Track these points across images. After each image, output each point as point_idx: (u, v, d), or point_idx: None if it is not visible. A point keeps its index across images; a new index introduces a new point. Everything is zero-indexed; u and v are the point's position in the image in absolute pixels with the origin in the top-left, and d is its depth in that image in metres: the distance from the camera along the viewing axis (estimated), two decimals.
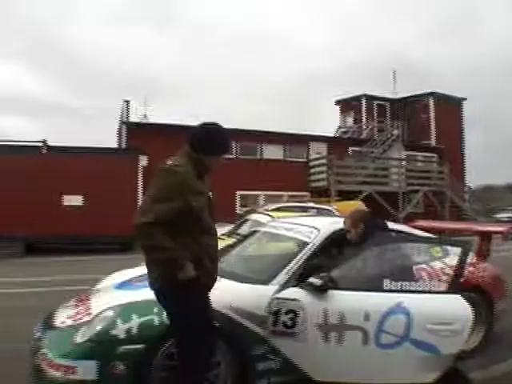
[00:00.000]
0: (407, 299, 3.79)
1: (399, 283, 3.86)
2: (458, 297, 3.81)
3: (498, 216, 37.22)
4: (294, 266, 4.25)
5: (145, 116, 26.28)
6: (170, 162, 3.24)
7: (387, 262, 4.11)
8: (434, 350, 3.71)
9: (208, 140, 3.30)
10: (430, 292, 3.86)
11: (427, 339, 3.70)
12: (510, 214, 36.78)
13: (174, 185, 3.11)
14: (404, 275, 4.03)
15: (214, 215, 3.42)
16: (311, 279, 3.89)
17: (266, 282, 4.07)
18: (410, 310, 3.73)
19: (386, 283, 3.86)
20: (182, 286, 3.14)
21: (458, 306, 3.79)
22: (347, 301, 3.85)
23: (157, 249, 3.13)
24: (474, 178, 56.76)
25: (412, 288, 3.87)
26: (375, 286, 3.90)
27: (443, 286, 3.90)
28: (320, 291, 3.84)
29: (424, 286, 3.90)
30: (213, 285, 3.40)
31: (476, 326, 5.30)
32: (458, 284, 3.88)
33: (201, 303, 3.34)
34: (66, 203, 18.68)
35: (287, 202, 16.31)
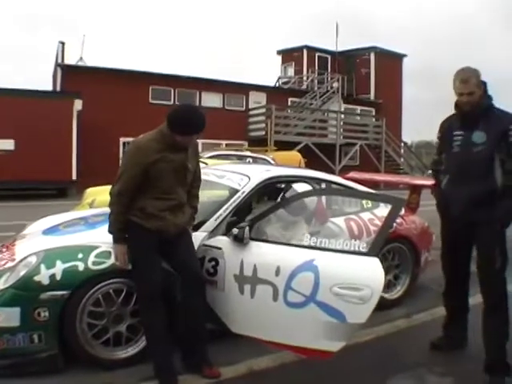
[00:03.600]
0: (319, 256, 3.47)
1: (319, 239, 3.60)
2: (376, 261, 3.36)
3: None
4: (223, 213, 4.24)
5: (81, 59, 25.36)
6: (140, 136, 3.66)
7: (312, 217, 4.06)
8: (339, 317, 3.28)
9: (179, 122, 3.51)
10: (348, 252, 3.45)
11: (333, 303, 3.30)
12: None
13: (132, 156, 3.54)
14: (327, 232, 3.94)
15: (189, 181, 3.79)
16: (234, 228, 3.85)
17: (195, 228, 4.05)
18: (319, 269, 3.39)
19: (307, 238, 3.65)
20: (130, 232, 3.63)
21: (371, 271, 3.32)
22: (262, 253, 3.71)
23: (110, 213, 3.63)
24: (411, 133, 57.91)
25: (331, 246, 3.53)
26: (296, 240, 3.75)
27: (364, 246, 3.47)
28: (237, 241, 3.78)
29: (344, 244, 3.51)
30: (167, 231, 3.61)
31: (402, 276, 5.48)
32: (378, 246, 3.47)
33: (141, 245, 3.60)
34: None
35: (223, 150, 16.20)
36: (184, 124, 3.49)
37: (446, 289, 4.25)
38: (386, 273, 5.21)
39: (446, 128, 4.01)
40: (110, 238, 3.63)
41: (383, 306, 4.83)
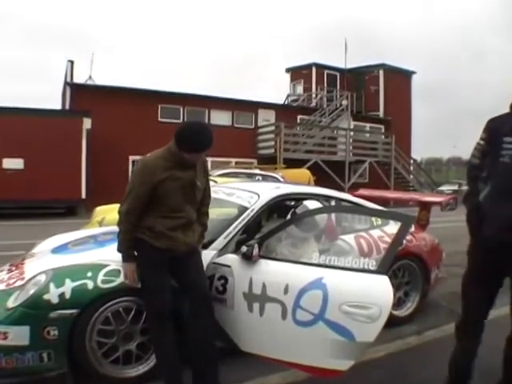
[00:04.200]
0: (328, 274, 3.45)
1: (329, 257, 3.58)
2: (385, 279, 3.32)
3: (443, 188, 38.12)
4: (232, 231, 4.24)
5: (90, 77, 25.57)
6: (148, 154, 3.66)
7: (322, 234, 4.05)
8: (348, 335, 3.25)
9: (187, 139, 3.49)
10: (357, 270, 3.43)
11: (341, 322, 3.26)
12: (453, 187, 37.63)
13: (140, 174, 3.54)
14: (337, 249, 3.95)
15: (199, 198, 3.77)
16: (242, 246, 3.85)
17: (205, 246, 4.04)
18: (328, 287, 3.36)
19: (316, 256, 3.65)
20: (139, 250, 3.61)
21: (380, 290, 3.29)
22: (271, 271, 3.71)
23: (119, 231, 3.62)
24: (421, 150, 57.78)
25: (340, 264, 3.51)
26: (305, 257, 3.74)
27: (373, 263, 3.42)
28: (246, 259, 3.78)
29: (353, 262, 3.48)
30: (177, 249, 3.58)
31: (412, 293, 5.45)
32: (387, 264, 3.42)
33: (150, 264, 3.57)
34: (6, 166, 18.18)
35: (233, 168, 16.25)
36: (191, 141, 3.47)
37: (464, 321, 3.51)
38: (397, 290, 5.21)
39: (494, 130, 3.28)
40: (119, 256, 3.62)
41: (394, 323, 4.81)
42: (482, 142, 3.34)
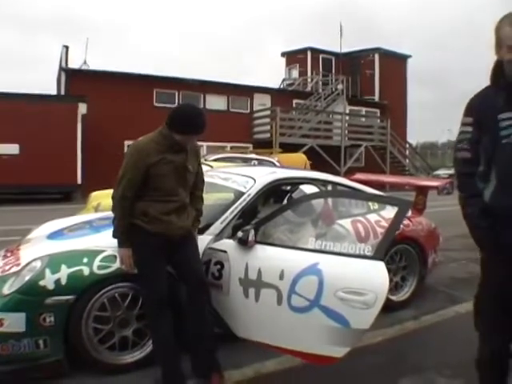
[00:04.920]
0: (323, 260, 3.40)
1: (324, 243, 3.53)
2: (381, 265, 3.26)
3: (439, 172, 38.17)
4: (229, 216, 4.22)
5: (85, 62, 25.44)
6: (139, 138, 3.62)
7: (318, 219, 4.04)
8: (343, 322, 3.21)
9: (180, 120, 3.48)
10: (352, 255, 3.38)
11: (337, 308, 3.22)
12: (449, 171, 37.69)
13: (132, 158, 3.50)
14: (333, 234, 3.91)
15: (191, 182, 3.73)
16: (238, 231, 3.82)
17: (201, 231, 4.02)
18: (323, 273, 3.31)
19: (312, 242, 3.62)
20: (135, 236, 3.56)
21: (375, 276, 3.24)
22: (267, 257, 3.64)
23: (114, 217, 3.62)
24: (416, 134, 57.73)
25: (336, 249, 3.46)
26: (301, 243, 3.72)
27: (369, 249, 3.36)
28: (242, 244, 3.75)
29: (349, 247, 3.43)
30: (171, 234, 3.55)
31: (409, 277, 5.45)
32: (383, 250, 3.37)
33: (146, 249, 3.53)
34: (1, 152, 18.12)
35: (228, 153, 16.24)
36: (183, 123, 3.45)
37: (484, 355, 2.93)
38: (394, 275, 5.21)
39: (481, 109, 2.63)
40: (115, 241, 3.60)
41: (391, 308, 4.82)
42: (469, 129, 2.66)
